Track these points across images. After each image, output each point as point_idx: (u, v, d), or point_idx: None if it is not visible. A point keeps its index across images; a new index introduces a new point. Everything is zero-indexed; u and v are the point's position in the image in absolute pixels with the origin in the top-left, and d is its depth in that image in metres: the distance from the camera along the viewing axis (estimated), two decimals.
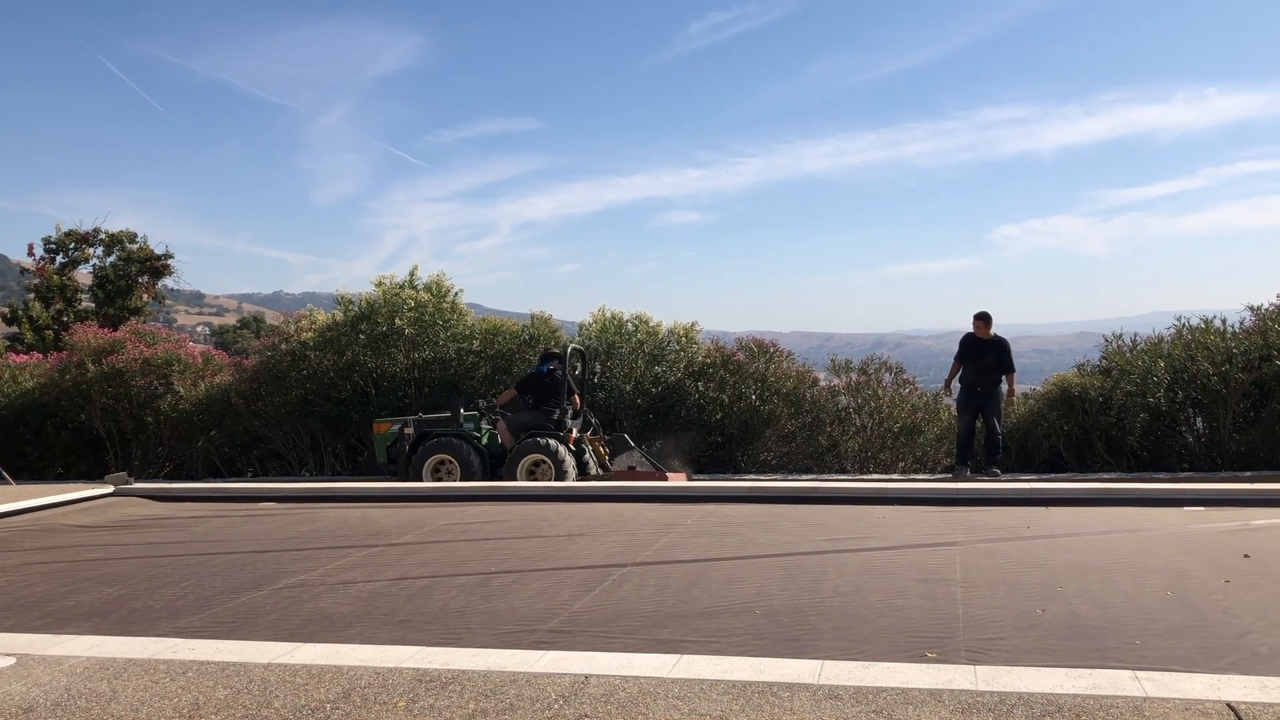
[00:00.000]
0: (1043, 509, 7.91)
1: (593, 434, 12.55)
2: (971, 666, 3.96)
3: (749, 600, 5.26)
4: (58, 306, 22.96)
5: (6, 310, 23.47)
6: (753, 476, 12.59)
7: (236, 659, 4.39)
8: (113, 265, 23.50)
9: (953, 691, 3.66)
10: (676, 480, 10.97)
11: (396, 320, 14.83)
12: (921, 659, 4.15)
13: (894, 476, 12.70)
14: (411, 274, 15.98)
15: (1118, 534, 6.76)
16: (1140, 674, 3.79)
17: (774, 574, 5.85)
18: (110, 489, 10.42)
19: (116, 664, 4.38)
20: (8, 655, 4.55)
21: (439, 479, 11.49)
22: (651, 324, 15.15)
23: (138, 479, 12.76)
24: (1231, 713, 3.37)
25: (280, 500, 9.86)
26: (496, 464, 11.84)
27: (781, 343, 15.33)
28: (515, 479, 11.34)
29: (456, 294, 15.99)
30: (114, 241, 23.56)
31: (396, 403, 14.58)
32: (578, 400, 12.55)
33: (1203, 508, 7.69)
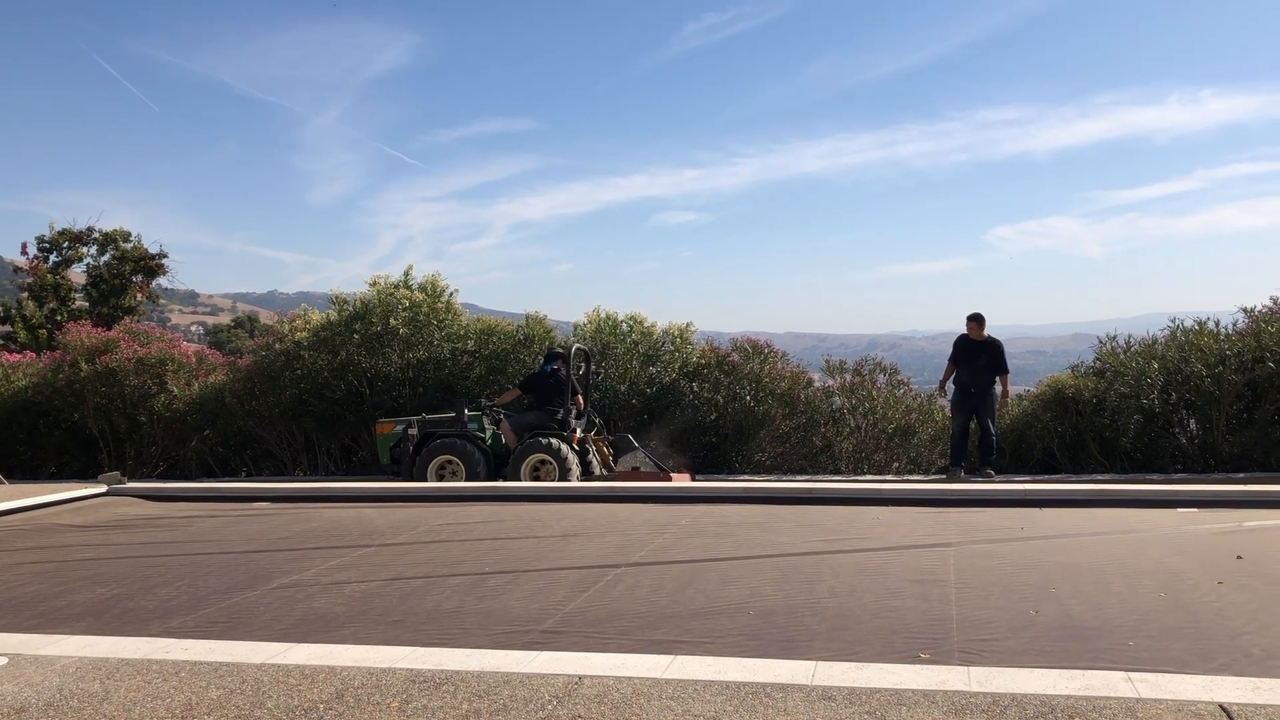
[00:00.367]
0: (1037, 510, 7.92)
1: (596, 434, 12.53)
2: (965, 667, 3.97)
3: (743, 601, 5.26)
4: (51, 305, 22.89)
5: None
6: (747, 477, 12.59)
7: (229, 659, 4.38)
8: (107, 264, 23.43)
9: (946, 693, 3.66)
10: (680, 480, 10.96)
11: (391, 320, 14.82)
12: (915, 660, 4.15)
13: (888, 477, 12.71)
14: (406, 274, 15.97)
15: (1111, 535, 6.77)
16: (1133, 675, 3.79)
17: (769, 575, 5.85)
18: (103, 489, 10.39)
19: (109, 664, 4.37)
20: (0, 655, 4.54)
21: (443, 479, 11.47)
22: (646, 324, 15.16)
23: (131, 478, 12.73)
24: (1224, 714, 3.37)
25: (274, 500, 9.84)
26: (501, 464, 11.81)
27: (776, 343, 15.35)
28: (519, 479, 11.32)
29: (451, 294, 15.98)
30: (108, 240, 23.49)
31: (391, 403, 14.56)
32: (581, 400, 12.54)
33: (1196, 509, 7.70)
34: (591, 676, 3.98)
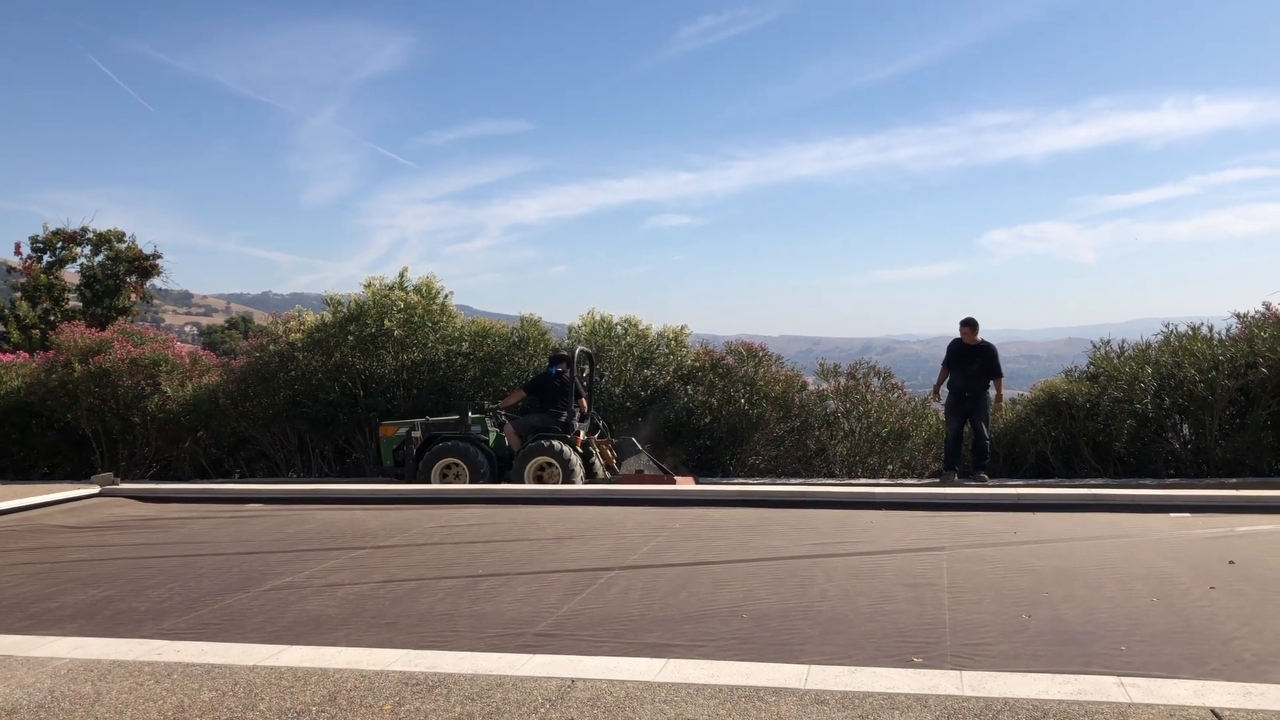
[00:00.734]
0: (1029, 514, 7.94)
1: (600, 437, 12.50)
2: (957, 672, 3.98)
3: (737, 604, 5.26)
4: (44, 306, 22.84)
5: None
6: (741, 480, 12.60)
7: (222, 661, 4.38)
8: (100, 265, 23.39)
9: (939, 697, 3.67)
10: (684, 483, 10.95)
11: (385, 322, 14.81)
12: (908, 664, 4.16)
13: (882, 481, 12.72)
14: (401, 275, 15.97)
15: (1104, 540, 6.78)
16: (1125, 680, 3.80)
17: (762, 578, 5.85)
18: (96, 489, 10.37)
19: (101, 666, 4.36)
20: None
21: (446, 482, 11.46)
22: (641, 327, 15.17)
23: (124, 479, 12.70)
24: (1215, 719, 3.38)
25: (267, 501, 9.83)
26: (504, 467, 11.79)
27: (770, 347, 15.36)
28: (523, 482, 11.30)
29: (446, 296, 15.98)
30: (102, 241, 23.44)
31: (385, 405, 14.55)
32: (585, 403, 12.53)
33: (1188, 514, 7.72)
34: (584, 679, 3.98)
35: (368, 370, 14.86)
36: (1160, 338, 13.09)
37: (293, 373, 14.99)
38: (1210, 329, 12.79)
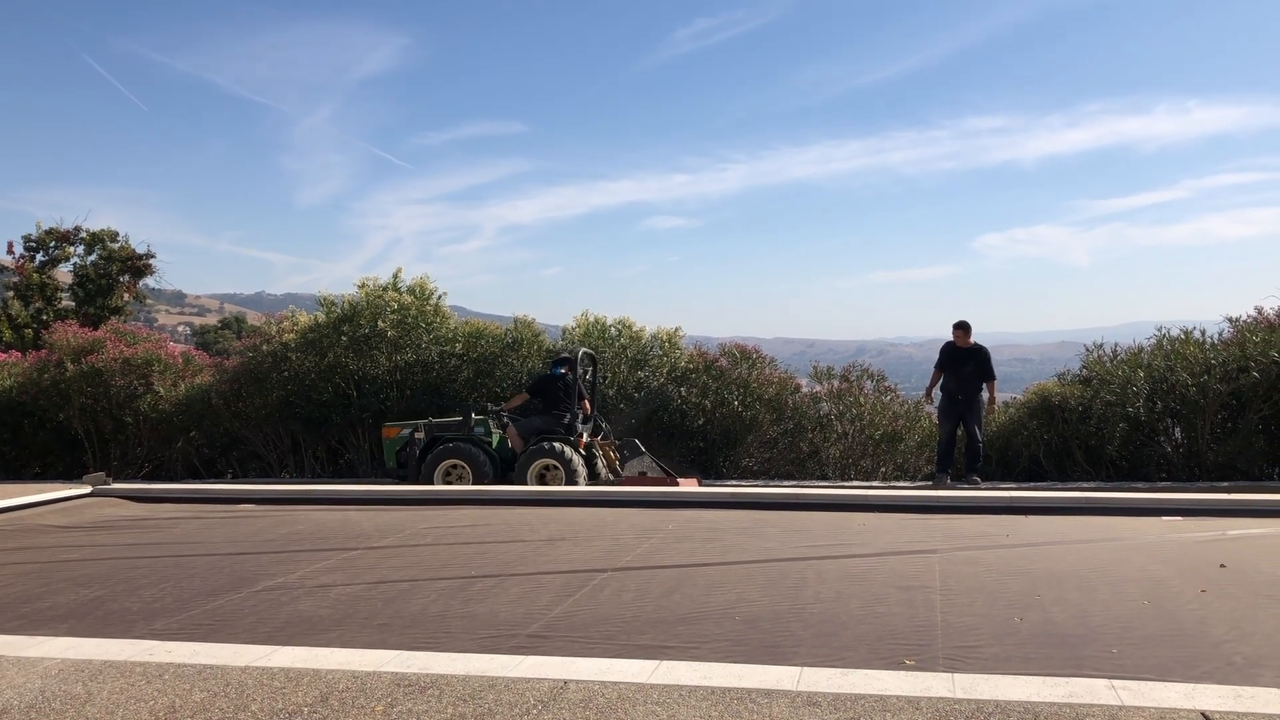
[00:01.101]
0: (1022, 517, 7.95)
1: (603, 439, 12.48)
2: (949, 674, 3.98)
3: (729, 606, 5.27)
4: (37, 305, 22.77)
5: None
6: (734, 482, 12.60)
7: (214, 662, 4.37)
8: (93, 264, 23.32)
9: (930, 699, 3.67)
10: (688, 485, 10.94)
11: (379, 322, 14.79)
12: (900, 666, 4.17)
13: (875, 484, 12.73)
14: (395, 276, 15.96)
15: (1096, 543, 6.80)
16: (1116, 683, 3.81)
17: (755, 580, 5.86)
18: (88, 489, 10.35)
19: (92, 666, 4.35)
20: None
21: (449, 484, 11.43)
22: (635, 329, 15.17)
23: (116, 479, 12.68)
24: None
25: (260, 502, 9.81)
26: (507, 469, 11.77)
27: (764, 349, 15.37)
28: (526, 484, 11.28)
29: (440, 297, 15.96)
30: (95, 240, 23.38)
31: (378, 405, 14.53)
32: (588, 405, 12.51)
33: (1180, 517, 7.74)
34: (577, 681, 3.98)
35: (361, 371, 14.84)
36: (1153, 341, 13.12)
37: (286, 373, 14.96)
38: (1202, 333, 12.84)
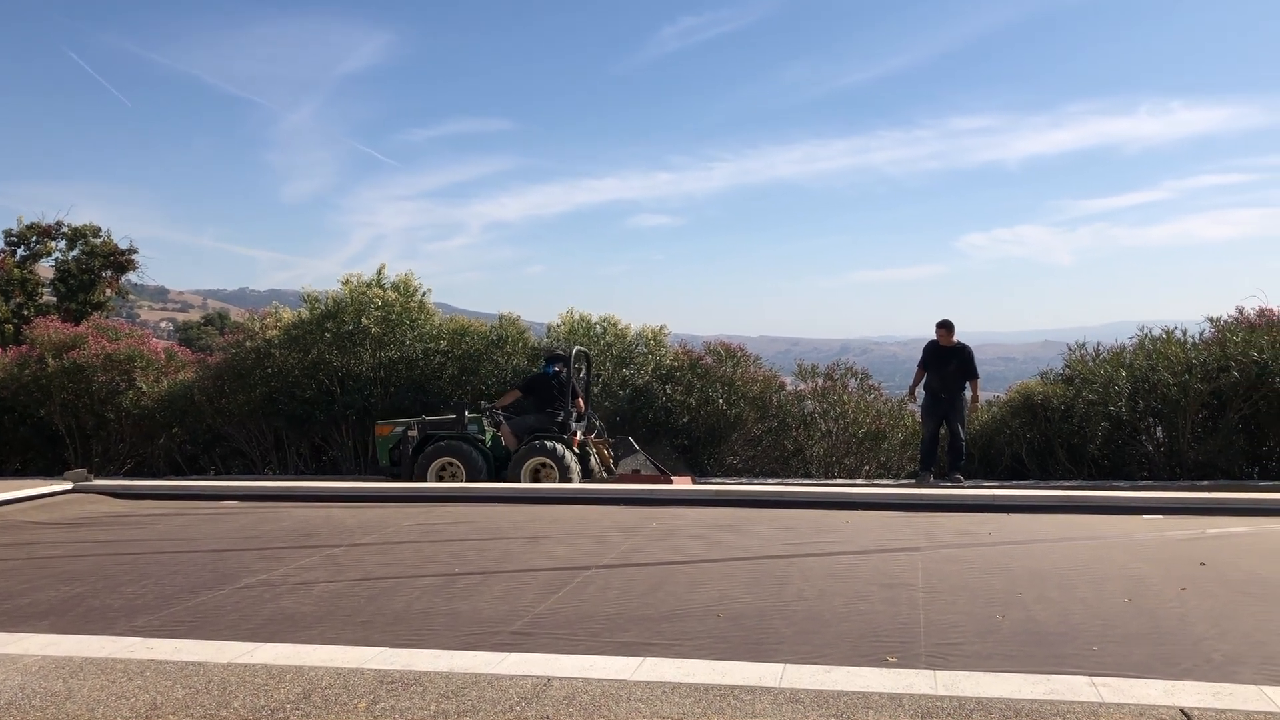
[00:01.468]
0: (1004, 515, 7.99)
1: (597, 437, 12.46)
2: (931, 671, 4.00)
3: (713, 603, 5.27)
4: (18, 300, 22.60)
5: None
6: (719, 480, 12.62)
7: (195, 659, 4.35)
8: (75, 259, 23.16)
9: (913, 696, 3.69)
10: (681, 483, 10.94)
11: (363, 319, 14.75)
12: (882, 663, 4.18)
13: (858, 482, 12.77)
14: (379, 273, 15.90)
15: (1078, 541, 6.84)
16: (1096, 680, 3.84)
17: (738, 577, 5.87)
18: (69, 485, 10.28)
19: (73, 663, 4.33)
20: None
21: (443, 482, 11.40)
22: (620, 326, 15.17)
23: (97, 476, 12.59)
24: (1185, 719, 3.42)
25: (243, 499, 9.77)
26: (501, 467, 11.74)
27: (749, 347, 15.41)
28: (520, 481, 11.26)
29: (424, 293, 15.93)
30: (77, 235, 23.22)
31: (362, 402, 14.49)
32: (582, 403, 12.49)
33: (1161, 516, 7.79)
34: (560, 678, 3.98)
35: (345, 368, 14.79)
36: (1135, 341, 13.21)
37: (269, 370, 14.91)
38: (1184, 333, 12.93)
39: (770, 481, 12.51)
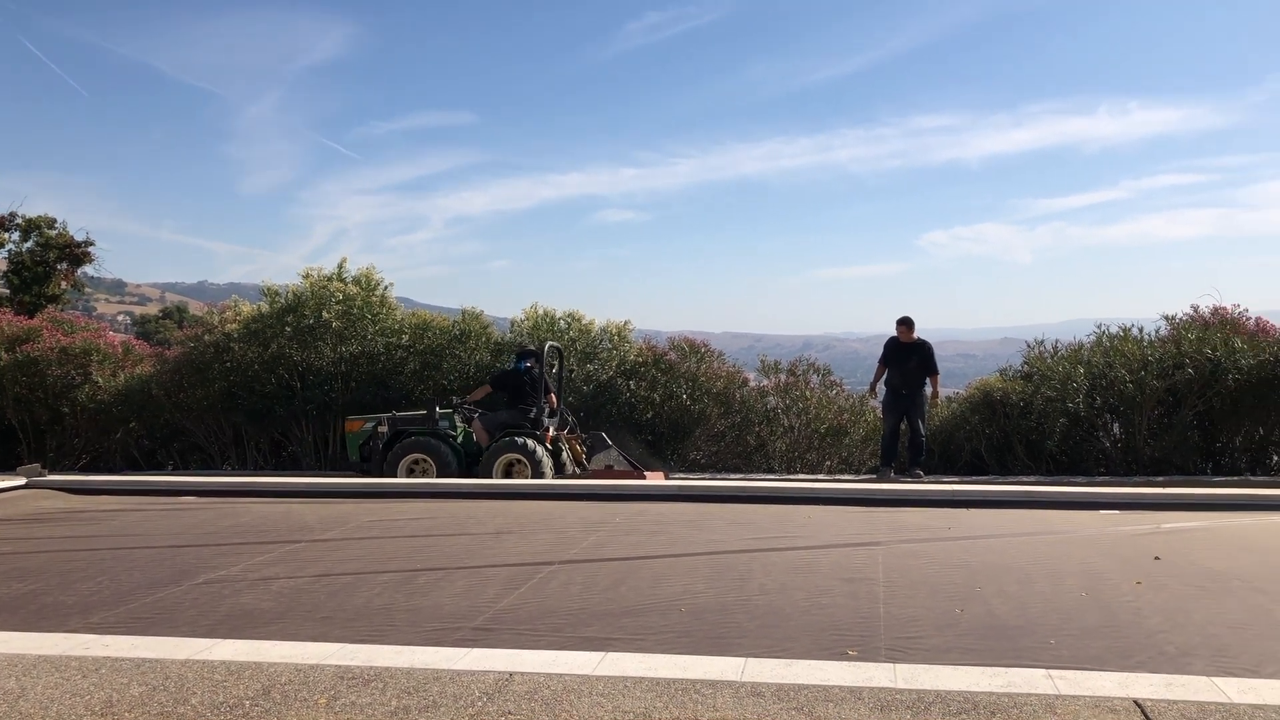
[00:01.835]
0: (964, 511, 8.07)
1: (569, 432, 12.42)
2: (891, 665, 4.04)
3: (675, 598, 5.29)
4: None
5: None
6: (682, 475, 12.64)
7: (152, 655, 4.30)
8: (29, 251, 22.78)
9: (872, 689, 3.72)
10: (654, 479, 10.93)
11: (324, 313, 14.61)
12: (843, 657, 4.21)
13: (820, 477, 12.85)
14: (340, 266, 15.74)
15: (1036, 536, 6.92)
16: (1053, 673, 3.89)
17: (701, 572, 5.88)
18: (22, 481, 10.13)
19: (26, 660, 4.26)
20: None
21: (414, 478, 11.31)
22: (584, 322, 15.14)
23: (52, 471, 12.40)
24: (1139, 710, 3.47)
25: (201, 494, 9.66)
26: (472, 463, 11.67)
27: (713, 343, 15.44)
28: (492, 478, 11.20)
29: (386, 288, 15.79)
30: (31, 227, 22.83)
31: (323, 397, 14.37)
32: (554, 399, 12.44)
33: (1117, 511, 7.91)
34: (522, 673, 3.97)
35: (305, 362, 14.65)
36: (1092, 338, 13.39)
37: (228, 364, 14.73)
38: (1140, 331, 13.12)
39: (733, 477, 12.56)
